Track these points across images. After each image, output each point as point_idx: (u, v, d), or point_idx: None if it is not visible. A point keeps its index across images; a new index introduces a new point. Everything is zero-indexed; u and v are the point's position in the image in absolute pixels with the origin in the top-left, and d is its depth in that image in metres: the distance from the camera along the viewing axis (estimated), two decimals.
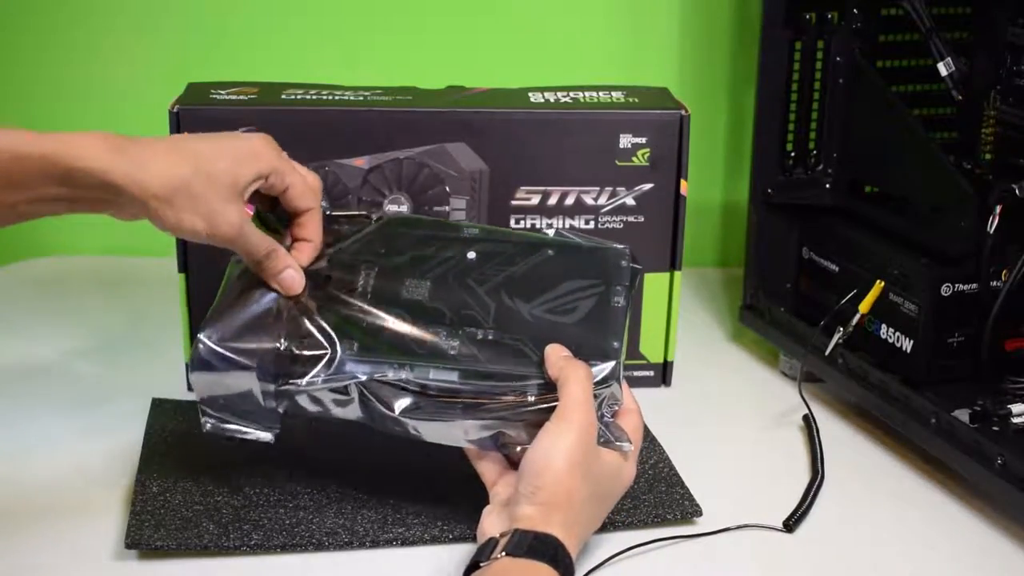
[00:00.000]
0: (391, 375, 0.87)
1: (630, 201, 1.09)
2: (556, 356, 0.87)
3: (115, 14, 1.40)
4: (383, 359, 0.88)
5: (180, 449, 1.00)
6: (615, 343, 0.90)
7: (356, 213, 0.97)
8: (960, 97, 1.05)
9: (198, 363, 0.88)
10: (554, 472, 0.81)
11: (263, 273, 0.89)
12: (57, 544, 0.88)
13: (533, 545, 0.78)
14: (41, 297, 1.34)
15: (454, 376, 0.87)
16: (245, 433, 0.90)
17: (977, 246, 1.00)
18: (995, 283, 1.01)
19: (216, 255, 0.91)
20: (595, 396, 0.86)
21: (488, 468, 0.89)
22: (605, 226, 1.09)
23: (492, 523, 0.84)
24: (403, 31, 1.42)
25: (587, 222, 1.09)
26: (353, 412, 0.89)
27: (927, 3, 1.06)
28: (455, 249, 0.95)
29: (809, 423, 1.06)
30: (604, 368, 0.88)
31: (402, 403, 0.87)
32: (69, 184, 0.79)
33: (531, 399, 0.87)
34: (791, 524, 0.92)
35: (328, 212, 0.95)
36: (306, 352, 0.88)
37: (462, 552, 0.87)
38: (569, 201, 1.09)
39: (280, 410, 0.89)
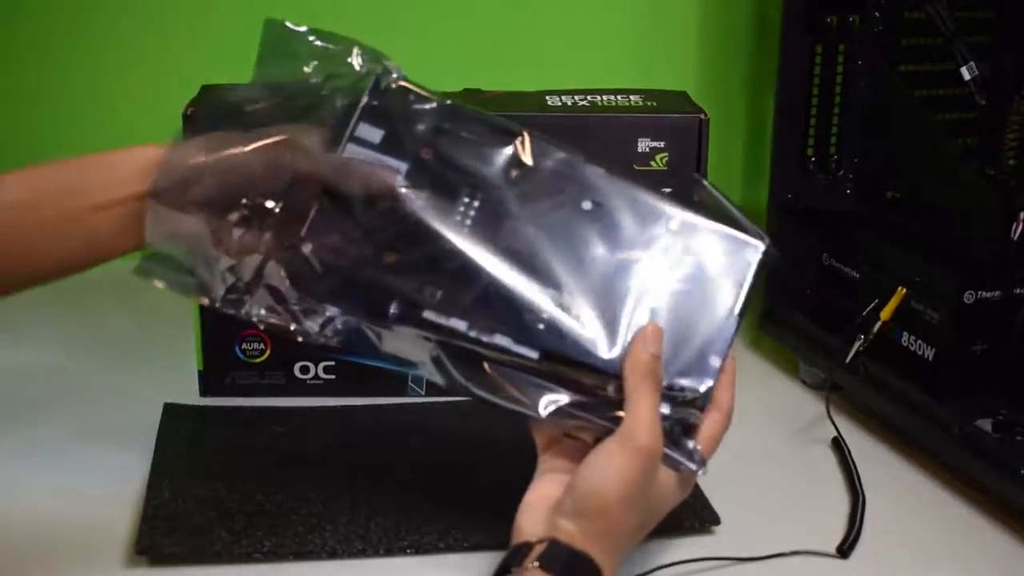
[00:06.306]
0: (472, 336, 0.79)
1: None
2: (639, 357, 0.78)
3: (122, 14, 1.40)
4: (464, 320, 0.79)
5: (192, 455, 0.99)
6: (714, 360, 0.80)
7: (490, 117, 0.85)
8: (983, 102, 1.04)
9: None
10: (604, 500, 0.76)
11: None
12: (67, 550, 0.88)
13: (569, 562, 0.74)
14: (52, 300, 1.33)
15: (535, 355, 0.79)
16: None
17: (1000, 253, 0.99)
18: (1018, 290, 1.00)
19: None
20: (674, 420, 0.79)
21: (541, 432, 0.83)
22: None
23: (530, 522, 0.78)
24: (419, 34, 1.42)
25: None
26: (430, 373, 0.82)
27: (950, 7, 1.05)
28: (571, 191, 0.82)
29: (840, 446, 1.03)
30: (694, 389, 0.79)
31: (473, 372, 0.80)
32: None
33: (610, 394, 0.78)
34: (845, 549, 0.90)
35: (442, 100, 0.84)
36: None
37: (478, 561, 0.86)
38: None
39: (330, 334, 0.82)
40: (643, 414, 0.77)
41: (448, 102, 0.85)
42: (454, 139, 0.83)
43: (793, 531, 0.92)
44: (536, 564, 0.74)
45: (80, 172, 0.83)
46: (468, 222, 0.81)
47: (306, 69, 0.86)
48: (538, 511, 0.78)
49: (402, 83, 0.85)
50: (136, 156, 0.82)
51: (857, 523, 0.93)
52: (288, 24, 0.86)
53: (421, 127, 0.84)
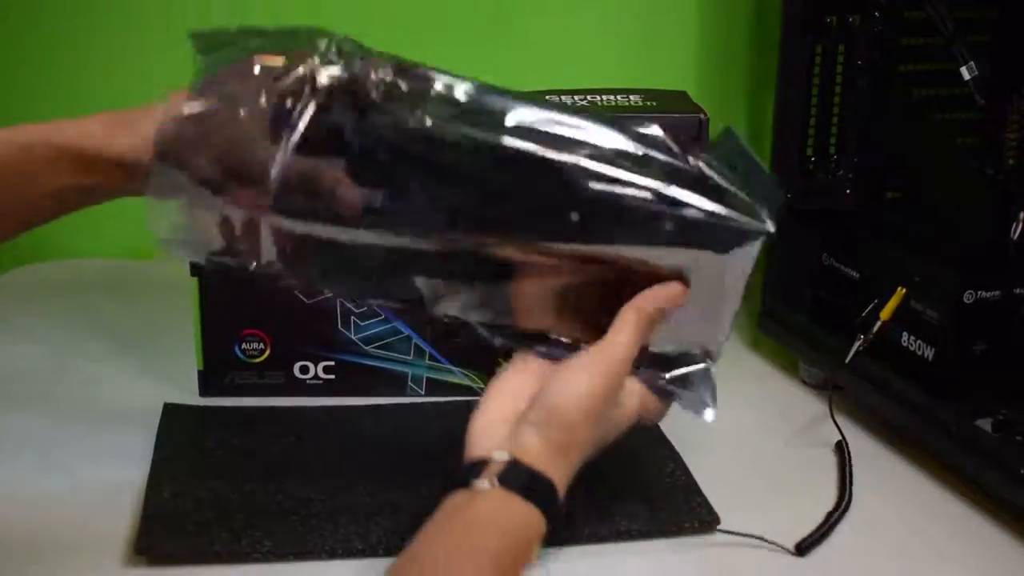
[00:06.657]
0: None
1: None
2: (643, 303, 0.79)
3: (128, 15, 1.40)
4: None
5: (192, 455, 0.99)
6: (719, 338, 0.81)
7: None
8: (983, 101, 1.04)
9: None
10: (568, 414, 0.76)
11: None
12: (67, 550, 0.87)
13: (529, 484, 0.73)
14: (53, 301, 1.34)
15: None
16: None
17: (1000, 253, 0.99)
18: (1018, 290, 1.00)
19: None
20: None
21: None
22: None
23: (491, 435, 0.77)
24: (419, 36, 1.41)
25: None
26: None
27: (950, 7, 1.05)
28: (557, 195, 0.75)
29: (842, 450, 1.03)
30: (693, 368, 0.81)
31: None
32: (79, 167, 0.80)
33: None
34: (803, 547, 0.90)
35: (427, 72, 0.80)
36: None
37: None
38: None
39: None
40: (620, 338, 0.78)
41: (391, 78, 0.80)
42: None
43: (791, 531, 0.91)
44: (496, 481, 0.73)
45: (56, 161, 0.81)
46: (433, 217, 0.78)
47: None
48: (497, 429, 0.78)
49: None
50: (121, 143, 0.80)
51: (827, 526, 0.92)
52: (218, 29, 0.81)
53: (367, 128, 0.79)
